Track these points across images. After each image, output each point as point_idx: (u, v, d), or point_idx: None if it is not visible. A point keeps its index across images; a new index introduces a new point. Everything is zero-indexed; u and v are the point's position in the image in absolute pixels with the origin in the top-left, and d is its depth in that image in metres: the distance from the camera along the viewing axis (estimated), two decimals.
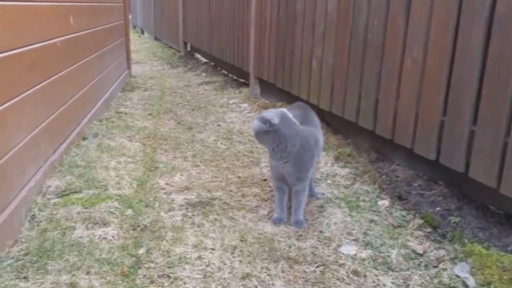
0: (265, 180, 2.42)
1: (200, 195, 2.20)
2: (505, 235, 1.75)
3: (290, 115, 1.90)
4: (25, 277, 1.54)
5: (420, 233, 1.91)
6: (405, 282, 1.61)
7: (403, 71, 2.22)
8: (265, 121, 1.85)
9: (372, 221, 2.01)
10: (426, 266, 1.70)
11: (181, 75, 6.03)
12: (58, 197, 2.10)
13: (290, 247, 1.80)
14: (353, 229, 1.94)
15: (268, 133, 1.86)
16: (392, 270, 1.67)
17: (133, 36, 9.39)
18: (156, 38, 10.07)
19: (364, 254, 1.77)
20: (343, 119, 2.78)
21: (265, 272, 1.63)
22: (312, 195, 2.20)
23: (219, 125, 3.52)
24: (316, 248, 1.80)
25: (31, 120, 2.14)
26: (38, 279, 1.53)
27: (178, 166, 2.58)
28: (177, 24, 7.55)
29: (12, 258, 1.64)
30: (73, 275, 1.56)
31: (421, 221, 1.97)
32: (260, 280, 1.59)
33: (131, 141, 3.00)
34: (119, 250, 1.74)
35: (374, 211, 2.09)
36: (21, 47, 2.02)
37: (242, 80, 5.08)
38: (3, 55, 1.83)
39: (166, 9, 8.56)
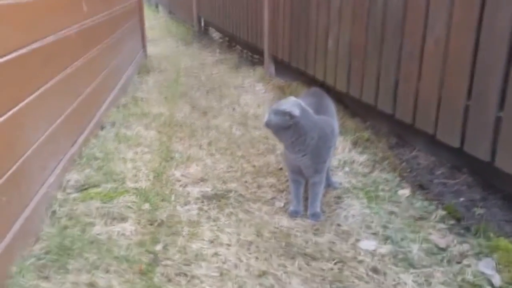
0: (280, 169, 2.38)
1: (215, 187, 2.18)
2: None
3: (304, 104, 1.83)
4: (46, 277, 1.56)
5: (443, 225, 1.86)
6: (427, 280, 1.57)
7: (425, 50, 2.12)
8: (285, 113, 1.76)
9: (392, 212, 1.96)
10: (449, 261, 1.66)
11: (196, 54, 5.96)
12: (77, 192, 2.11)
13: (307, 242, 1.78)
14: (372, 222, 1.90)
15: (289, 127, 1.79)
16: (413, 267, 1.63)
17: (147, 12, 9.29)
18: (170, 12, 9.98)
19: (384, 249, 1.73)
20: (361, 102, 2.70)
21: (282, 270, 1.62)
22: (329, 185, 2.16)
23: (233, 109, 3.47)
24: (334, 243, 1.77)
25: (49, 115, 2.14)
26: (59, 279, 1.54)
27: (193, 155, 2.55)
28: None
29: (34, 257, 1.66)
30: (93, 274, 1.57)
31: (443, 213, 1.92)
32: (277, 278, 1.58)
33: (147, 129, 2.99)
34: (137, 247, 1.74)
35: (394, 201, 2.04)
36: (35, 42, 2.00)
37: (257, 57, 4.99)
38: (18, 54, 1.80)
39: None
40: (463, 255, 1.68)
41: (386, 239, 1.79)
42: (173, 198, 2.08)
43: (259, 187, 2.20)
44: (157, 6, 12.11)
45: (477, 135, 1.87)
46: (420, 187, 2.10)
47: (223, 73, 4.75)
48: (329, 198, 2.09)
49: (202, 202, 2.05)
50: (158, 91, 4.03)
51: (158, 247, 1.74)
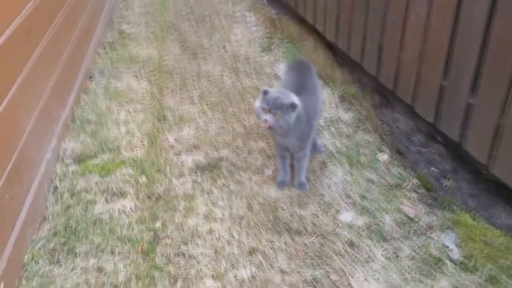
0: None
1: (207, 155, 2.31)
2: (491, 204, 1.87)
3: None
4: (57, 262, 1.76)
5: (414, 195, 2.04)
6: (395, 253, 1.79)
7: (407, 22, 2.12)
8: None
9: (370, 180, 2.13)
10: (416, 233, 1.87)
11: None
12: (75, 163, 2.24)
13: (292, 215, 1.97)
14: (351, 190, 2.08)
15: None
16: (384, 240, 1.85)
17: None
18: None
19: (360, 221, 1.94)
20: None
21: (269, 246, 1.83)
22: (314, 148, 2.30)
23: (224, 48, 3.45)
24: (316, 215, 1.97)
25: (37, 91, 2.18)
26: (69, 263, 1.75)
27: (185, 115, 2.64)
28: None
29: (43, 239, 1.85)
30: (99, 258, 1.77)
31: (416, 181, 2.09)
32: (265, 255, 1.79)
33: (137, 79, 3.02)
34: (138, 224, 1.93)
35: (373, 167, 2.20)
36: (16, 18, 1.97)
37: None
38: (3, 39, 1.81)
39: None
40: (429, 227, 1.89)
41: (363, 209, 1.99)
42: (168, 169, 2.23)
43: (249, 152, 2.34)
44: None
45: (449, 115, 1.97)
46: (398, 152, 2.25)
47: None
48: (315, 164, 2.25)
49: (196, 173, 2.20)
50: (145, 21, 3.93)
51: (157, 224, 1.93)
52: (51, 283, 1.65)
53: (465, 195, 1.95)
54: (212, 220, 1.96)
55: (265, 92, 1.84)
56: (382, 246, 1.82)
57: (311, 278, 1.69)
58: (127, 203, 2.03)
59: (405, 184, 2.10)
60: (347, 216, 1.97)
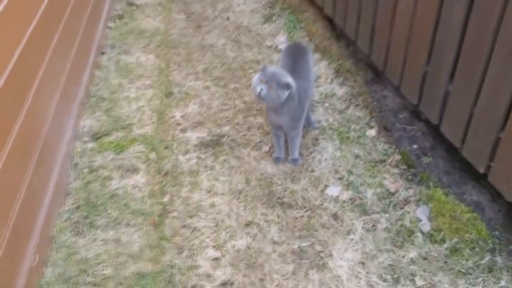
0: None
1: (211, 132, 2.54)
2: (464, 182, 2.07)
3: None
4: (81, 233, 2.05)
5: (396, 170, 2.25)
6: (373, 226, 2.04)
7: (398, 6, 2.24)
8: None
9: (357, 156, 2.34)
10: (394, 206, 2.10)
11: None
12: (93, 141, 2.49)
13: (285, 190, 2.21)
14: (340, 166, 2.30)
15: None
16: (365, 213, 2.09)
17: None
18: None
19: (345, 195, 2.17)
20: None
21: (264, 219, 2.09)
22: (309, 124, 2.50)
23: (228, 19, 3.57)
24: (306, 190, 2.21)
25: (58, 74, 2.38)
26: (91, 235, 2.04)
27: (190, 90, 2.84)
28: None
29: (68, 212, 2.14)
30: (117, 230, 2.05)
31: (399, 157, 2.30)
32: (260, 227, 2.06)
33: (145, 53, 3.20)
34: (149, 198, 2.20)
35: (361, 143, 2.40)
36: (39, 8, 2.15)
37: None
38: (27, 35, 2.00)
39: None
40: (406, 201, 2.12)
41: (349, 184, 2.22)
42: (175, 146, 2.47)
43: (248, 129, 2.56)
44: None
45: (430, 99, 2.13)
46: (385, 128, 2.44)
47: None
48: (308, 140, 2.46)
49: (200, 149, 2.44)
50: None
51: (166, 198, 2.20)
52: (76, 253, 1.95)
53: (441, 172, 2.15)
54: (214, 194, 2.21)
55: (264, 68, 2.04)
56: (362, 220, 2.07)
57: (298, 248, 1.96)
58: (140, 178, 2.30)
59: (389, 160, 2.31)
60: (334, 190, 2.20)
